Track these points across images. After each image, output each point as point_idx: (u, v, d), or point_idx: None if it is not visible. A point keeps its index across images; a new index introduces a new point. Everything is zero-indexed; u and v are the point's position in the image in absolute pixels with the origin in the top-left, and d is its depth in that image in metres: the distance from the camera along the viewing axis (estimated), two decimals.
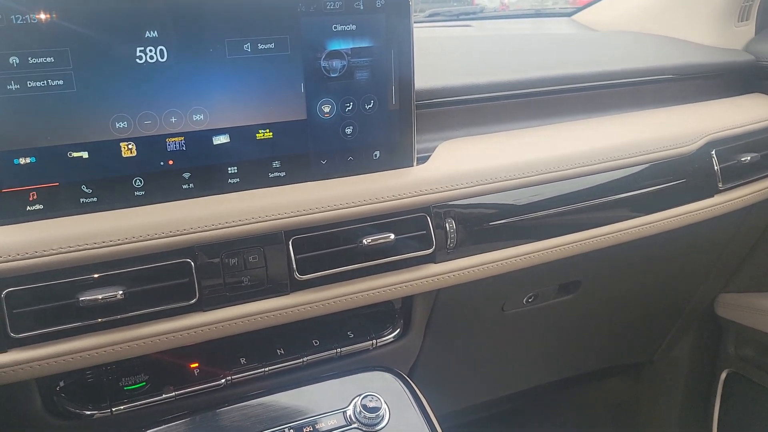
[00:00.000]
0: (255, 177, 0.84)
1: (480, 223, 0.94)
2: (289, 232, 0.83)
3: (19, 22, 0.70)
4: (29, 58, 0.71)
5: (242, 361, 0.90)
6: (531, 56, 1.25)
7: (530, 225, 0.98)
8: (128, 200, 0.78)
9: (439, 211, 0.91)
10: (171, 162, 0.80)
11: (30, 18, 0.70)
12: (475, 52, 1.29)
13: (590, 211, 1.03)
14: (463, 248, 0.93)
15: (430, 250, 0.90)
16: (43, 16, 0.70)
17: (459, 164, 0.94)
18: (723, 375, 1.61)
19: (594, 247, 1.04)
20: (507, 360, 1.38)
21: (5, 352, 0.72)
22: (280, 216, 0.81)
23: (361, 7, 0.84)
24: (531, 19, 1.72)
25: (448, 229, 0.92)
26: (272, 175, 0.85)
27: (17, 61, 0.70)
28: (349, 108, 0.87)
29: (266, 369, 0.90)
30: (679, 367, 1.68)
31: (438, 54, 1.22)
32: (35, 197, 0.75)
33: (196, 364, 0.88)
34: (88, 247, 0.73)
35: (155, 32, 0.75)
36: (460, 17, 1.68)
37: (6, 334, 0.71)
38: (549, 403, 1.76)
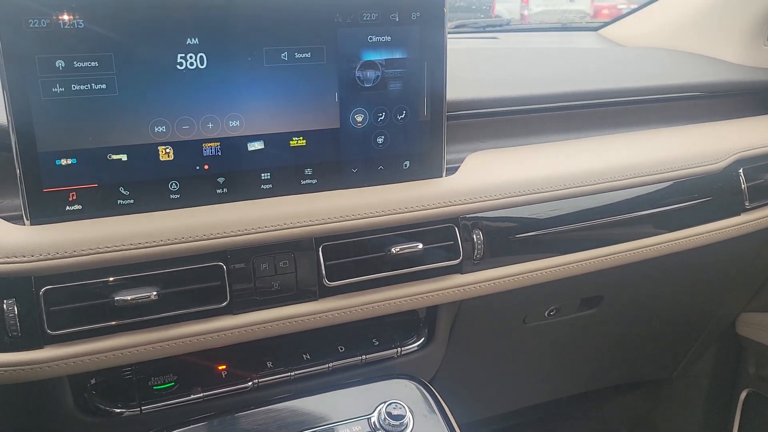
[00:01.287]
0: (287, 183, 0.85)
1: (507, 235, 0.95)
2: (320, 239, 0.84)
3: (66, 27, 0.71)
4: (74, 62, 0.72)
5: (269, 364, 0.91)
6: (560, 70, 1.26)
7: (557, 238, 0.99)
8: (164, 203, 0.80)
9: (467, 222, 0.92)
10: (206, 167, 0.81)
11: (77, 23, 0.72)
12: (503, 65, 1.30)
13: (616, 226, 1.03)
14: (489, 260, 0.94)
15: (457, 261, 0.91)
16: (89, 22, 0.72)
17: (488, 176, 0.95)
18: (743, 395, 1.60)
19: (618, 263, 1.04)
20: (527, 372, 1.38)
21: (41, 348, 0.73)
22: (311, 223, 0.83)
23: (397, 19, 0.85)
24: (557, 33, 1.73)
25: (475, 240, 0.92)
26: (304, 182, 0.86)
27: (63, 65, 0.72)
28: (382, 118, 0.88)
29: (292, 373, 0.91)
30: (699, 385, 1.67)
31: (466, 65, 1.23)
32: (74, 197, 0.76)
33: (224, 367, 0.89)
34: (124, 248, 0.75)
35: (196, 39, 0.77)
36: (487, 29, 1.69)
37: (43, 331, 0.73)
38: (566, 416, 1.76)
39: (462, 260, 0.91)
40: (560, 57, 1.39)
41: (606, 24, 1.71)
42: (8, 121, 0.71)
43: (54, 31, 0.71)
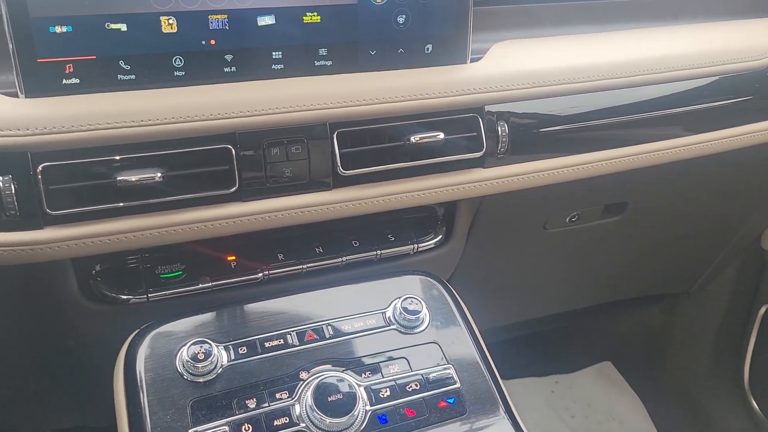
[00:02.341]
0: (300, 64, 0.79)
1: (533, 128, 0.89)
2: (334, 125, 0.79)
3: None
4: None
5: (280, 257, 0.87)
6: None
7: (585, 135, 0.93)
8: (167, 80, 0.74)
9: (492, 113, 0.86)
10: (213, 42, 0.75)
11: None
12: None
13: (648, 124, 0.97)
14: (514, 154, 0.88)
15: (480, 154, 0.86)
16: None
17: (515, 64, 0.88)
18: (762, 310, 1.57)
19: (648, 163, 0.99)
20: (544, 280, 1.35)
21: (41, 229, 0.70)
22: (325, 106, 0.77)
23: None
24: None
25: (499, 132, 0.87)
26: (318, 63, 0.80)
27: None
28: None
29: (304, 266, 0.88)
30: (717, 300, 1.64)
31: None
32: (71, 69, 0.71)
33: (234, 257, 0.86)
34: (126, 125, 0.70)
35: None
36: None
37: (43, 211, 0.69)
38: (580, 328, 1.75)
39: (485, 153, 0.86)
40: None
41: None
42: None
43: None
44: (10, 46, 0.68)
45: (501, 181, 0.88)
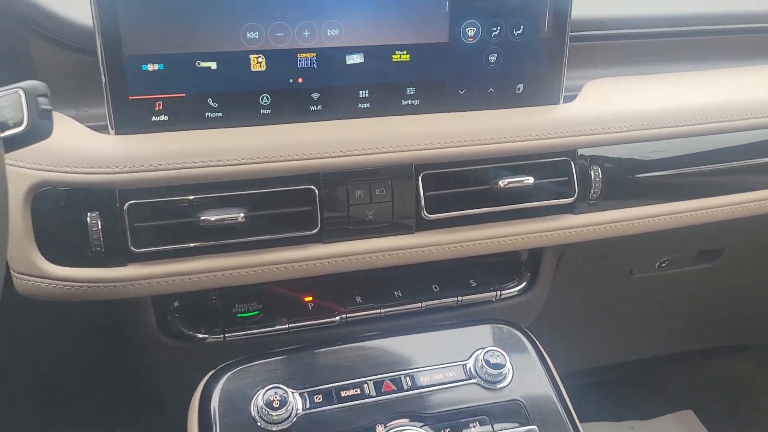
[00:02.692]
0: (387, 103, 0.77)
1: (629, 173, 0.84)
2: (420, 166, 0.76)
3: None
4: None
5: (358, 299, 0.85)
6: None
7: (686, 181, 0.87)
8: (253, 118, 0.73)
9: (585, 156, 0.82)
10: (300, 80, 0.74)
11: None
12: None
13: (755, 170, 0.90)
14: (606, 200, 0.83)
15: (571, 200, 0.81)
16: None
17: (610, 105, 0.83)
18: None
19: (753, 212, 0.92)
20: (627, 325, 1.27)
21: (125, 266, 0.70)
22: (411, 147, 0.74)
23: None
24: None
25: (592, 177, 0.82)
26: (405, 102, 0.78)
27: None
28: (496, 33, 0.77)
29: (382, 310, 0.85)
30: None
31: None
32: (161, 107, 0.71)
33: (311, 298, 0.84)
34: (212, 164, 0.69)
35: None
36: None
37: (126, 248, 0.69)
38: (661, 373, 1.65)
39: (576, 199, 0.81)
40: None
41: None
42: (94, 21, 0.66)
43: None
44: (104, 82, 0.68)
45: (592, 229, 0.83)
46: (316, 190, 0.73)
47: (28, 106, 0.52)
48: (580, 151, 0.81)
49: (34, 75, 0.76)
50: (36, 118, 0.52)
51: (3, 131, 0.51)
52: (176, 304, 0.82)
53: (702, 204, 0.88)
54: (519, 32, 0.78)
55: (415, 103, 0.78)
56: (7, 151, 0.53)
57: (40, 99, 0.53)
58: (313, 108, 0.75)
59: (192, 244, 0.71)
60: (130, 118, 0.70)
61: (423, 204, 0.76)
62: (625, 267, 1.07)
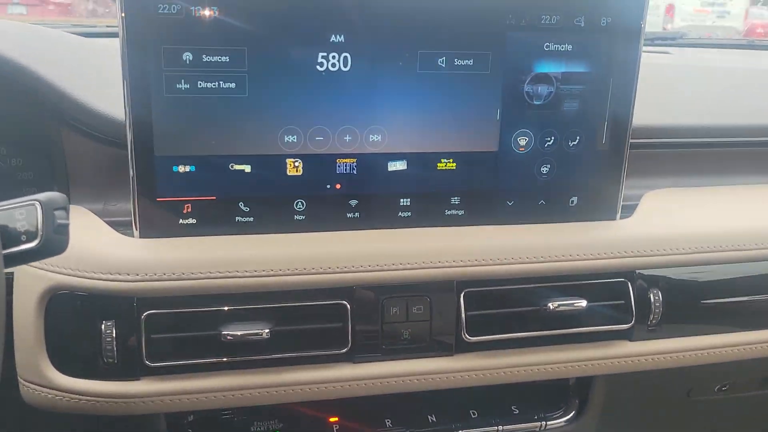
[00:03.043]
0: (429, 213, 0.72)
1: (693, 298, 0.77)
2: (462, 283, 0.70)
3: (198, 15, 0.62)
4: (203, 56, 0.63)
5: (388, 423, 0.78)
6: (752, 96, 1.04)
7: (757, 308, 0.79)
8: (286, 224, 0.69)
9: (644, 277, 0.75)
10: (339, 186, 0.69)
11: (210, 11, 0.62)
12: (681, 86, 1.10)
13: None
14: (667, 326, 0.76)
15: (628, 325, 0.74)
16: (224, 10, 0.62)
17: (673, 222, 0.77)
18: None
19: None
20: None
21: (138, 380, 0.64)
22: (453, 264, 0.69)
23: (582, 24, 0.70)
24: (741, 51, 1.48)
25: (652, 300, 0.75)
26: (449, 212, 0.72)
27: (190, 58, 0.63)
28: (550, 143, 0.72)
29: None
30: None
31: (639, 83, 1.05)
32: (189, 210, 0.67)
33: (336, 419, 0.77)
34: (239, 275, 0.64)
35: (341, 37, 0.65)
36: (656, 42, 1.47)
37: (141, 361, 0.64)
38: None
39: (634, 324, 0.74)
40: (751, 80, 1.17)
41: None
42: (126, 118, 0.63)
43: (184, 19, 0.62)
44: (131, 182, 0.65)
45: (651, 358, 0.75)
46: (348, 306, 0.67)
47: (44, 220, 0.48)
48: (638, 272, 0.74)
49: (65, 166, 0.74)
50: (51, 234, 0.49)
51: (17, 245, 0.48)
52: (191, 418, 0.76)
53: None
54: (575, 143, 0.73)
55: (460, 214, 0.73)
56: (17, 265, 0.49)
57: (57, 213, 0.49)
58: (350, 215, 0.70)
59: (211, 360, 0.65)
60: (156, 221, 0.66)
61: (464, 324, 0.70)
62: (682, 389, 0.98)
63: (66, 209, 0.50)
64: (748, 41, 1.48)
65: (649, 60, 1.33)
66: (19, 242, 0.48)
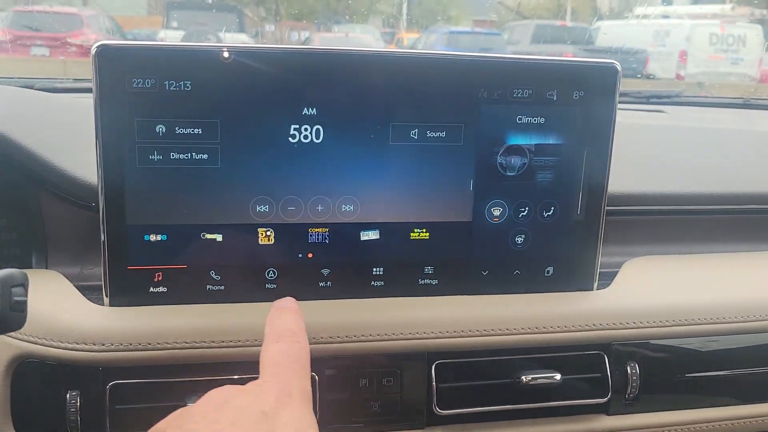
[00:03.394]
0: (402, 282, 0.72)
1: (672, 371, 0.75)
2: (434, 354, 0.69)
3: (172, 89, 0.63)
4: (176, 128, 0.64)
5: None
6: (745, 161, 1.04)
7: (744, 382, 0.77)
8: (258, 293, 0.69)
9: (620, 349, 0.73)
10: (310, 255, 0.69)
11: (184, 86, 0.63)
12: (673, 148, 1.10)
13: None
14: (645, 400, 0.74)
15: (604, 399, 0.72)
16: (197, 85, 0.63)
17: (652, 293, 0.76)
18: None
19: None
20: None
21: None
22: (425, 335, 0.68)
23: (555, 98, 0.70)
24: (740, 111, 1.49)
25: (629, 373, 0.73)
26: (422, 281, 0.72)
27: (163, 130, 0.64)
28: (524, 213, 0.72)
29: None
30: None
31: (625, 145, 1.04)
32: (160, 278, 0.67)
33: None
34: (204, 345, 0.64)
35: (313, 110, 0.66)
36: (651, 101, 1.48)
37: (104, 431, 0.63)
38: None
39: (610, 398, 0.72)
40: (745, 143, 1.16)
41: None
42: (99, 186, 0.64)
43: (158, 92, 0.63)
44: (102, 250, 0.65)
45: None
46: (317, 377, 0.66)
47: (2, 298, 0.49)
48: (614, 344, 0.73)
49: (44, 230, 0.75)
50: (7, 311, 0.49)
51: None
52: None
53: (761, 410, 0.77)
54: (549, 214, 0.73)
55: (433, 283, 0.72)
56: None
57: (15, 290, 0.50)
58: (322, 284, 0.70)
59: None
60: (126, 289, 0.66)
61: (435, 397, 0.69)
62: None
63: (24, 286, 0.51)
64: (745, 101, 1.48)
65: (642, 120, 1.34)
66: None
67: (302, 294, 0.69)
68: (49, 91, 0.93)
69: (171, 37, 8.11)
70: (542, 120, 0.70)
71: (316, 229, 0.69)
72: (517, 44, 9.05)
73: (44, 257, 0.75)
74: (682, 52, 8.52)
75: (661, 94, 1.48)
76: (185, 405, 0.63)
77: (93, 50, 0.61)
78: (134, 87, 0.63)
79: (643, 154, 1.02)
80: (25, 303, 0.50)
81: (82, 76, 1.23)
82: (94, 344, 0.62)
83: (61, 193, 0.71)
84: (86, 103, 0.89)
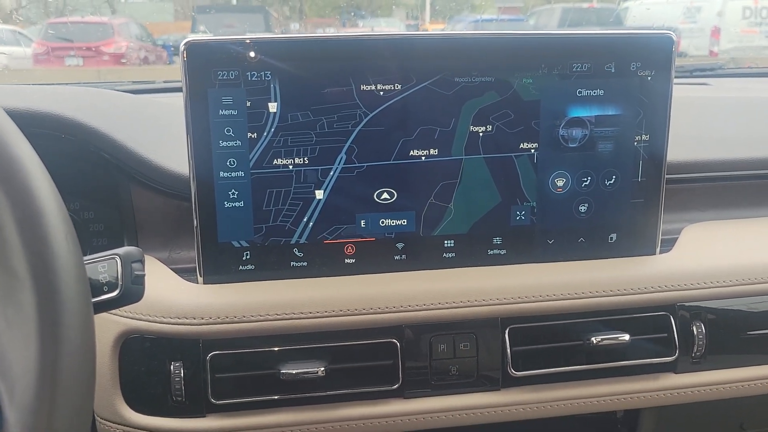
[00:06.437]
0: (472, 253, 0.75)
1: (737, 330, 0.78)
2: (506, 320, 0.73)
3: (253, 78, 0.68)
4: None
5: None
6: None
7: None
8: (338, 267, 0.73)
9: (686, 310, 0.76)
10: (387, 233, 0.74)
11: (264, 75, 0.68)
12: (720, 119, 1.11)
13: None
14: (711, 359, 0.77)
15: (672, 358, 0.75)
16: (277, 73, 0.68)
17: (713, 255, 0.78)
18: None
19: None
20: None
21: (204, 416, 0.69)
22: (498, 301, 0.72)
23: (613, 70, 0.73)
24: None
25: (695, 333, 0.76)
26: (491, 252, 0.76)
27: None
28: (586, 183, 0.75)
29: None
30: None
31: (674, 118, 1.06)
32: (248, 256, 0.72)
33: None
34: (295, 316, 0.69)
35: (399, 86, 0.70)
36: (695, 74, 1.49)
37: (206, 399, 0.68)
38: None
39: (678, 357, 0.75)
40: None
41: None
42: (191, 176, 0.69)
43: (241, 83, 0.68)
44: (196, 233, 0.70)
45: (696, 390, 0.77)
46: (398, 344, 0.71)
47: (123, 272, 0.54)
48: (680, 305, 0.76)
49: (134, 218, 0.80)
50: (129, 284, 0.54)
51: (100, 296, 0.53)
52: None
53: None
54: (611, 183, 0.76)
55: (502, 253, 0.76)
56: (99, 312, 0.55)
57: (135, 265, 0.55)
58: (397, 258, 0.74)
59: (271, 397, 0.69)
60: (218, 267, 0.72)
61: (509, 360, 0.73)
62: (734, 422, 0.97)
63: (142, 261, 0.56)
64: None
65: (687, 93, 1.35)
66: (102, 292, 0.53)
67: (379, 267, 0.74)
68: (129, 93, 0.99)
69: None
70: (601, 92, 0.73)
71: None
72: (544, 29, 8.97)
73: (135, 243, 0.81)
74: (714, 29, 8.33)
75: (704, 67, 1.49)
76: (278, 372, 0.68)
77: (182, 47, 0.66)
78: (219, 79, 0.67)
79: (692, 125, 1.04)
80: (143, 277, 0.55)
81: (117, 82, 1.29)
82: (194, 318, 0.67)
83: (151, 184, 0.76)
84: (164, 101, 0.95)
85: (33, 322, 0.43)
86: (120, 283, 0.54)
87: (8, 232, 0.44)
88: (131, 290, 0.54)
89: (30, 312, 0.43)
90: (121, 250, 0.55)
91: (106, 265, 0.54)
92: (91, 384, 0.46)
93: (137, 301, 0.55)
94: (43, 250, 0.44)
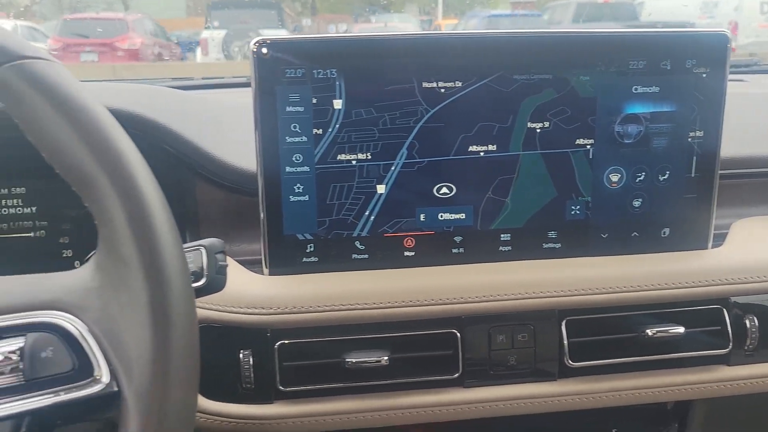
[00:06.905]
0: (528, 246, 0.77)
1: None
2: (563, 312, 0.75)
3: (319, 76, 0.70)
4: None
5: None
6: None
7: None
8: (397, 261, 0.75)
9: (739, 304, 0.78)
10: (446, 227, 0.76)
11: (330, 73, 0.70)
12: (762, 115, 1.12)
13: None
14: (764, 351, 0.78)
15: (725, 350, 0.77)
16: (342, 71, 0.70)
17: (764, 250, 0.80)
18: None
19: None
20: None
21: (271, 403, 0.71)
22: (555, 294, 0.74)
23: (668, 67, 0.74)
24: None
25: (748, 326, 0.77)
26: (546, 245, 0.77)
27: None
28: (641, 178, 0.77)
29: None
30: None
31: None
32: (311, 249, 0.74)
33: None
34: (359, 306, 0.71)
35: (459, 83, 0.72)
36: (730, 71, 1.49)
37: (275, 386, 0.71)
38: None
39: (731, 350, 0.77)
40: None
41: None
42: (258, 171, 0.71)
43: (307, 80, 0.70)
44: (262, 226, 0.72)
45: (749, 383, 0.78)
46: (458, 334, 0.73)
47: (208, 263, 0.56)
48: (733, 299, 0.77)
49: (197, 212, 0.82)
50: (213, 274, 0.56)
51: None
52: None
53: None
54: (665, 178, 0.77)
55: (557, 247, 0.78)
56: None
57: (218, 256, 0.57)
58: (455, 251, 0.76)
59: (336, 385, 0.72)
60: (283, 258, 0.74)
61: (567, 351, 0.74)
62: None
63: (224, 253, 0.58)
64: None
65: (728, 89, 1.35)
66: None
67: (437, 260, 0.76)
68: (183, 89, 1.01)
69: (214, 36, 8.26)
70: (657, 89, 0.75)
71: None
72: (559, 24, 8.94)
73: (197, 236, 0.83)
74: (732, 23, 8.27)
75: (739, 63, 1.50)
76: (343, 361, 0.70)
77: (252, 45, 0.68)
78: (287, 76, 0.69)
79: (737, 120, 1.04)
80: (226, 267, 0.58)
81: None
82: (263, 308, 0.70)
83: (215, 179, 0.79)
84: (221, 98, 0.98)
85: (145, 307, 0.45)
86: (205, 272, 0.56)
87: (118, 223, 0.46)
88: (215, 280, 0.57)
89: (142, 297, 0.45)
90: (205, 242, 0.57)
91: (191, 255, 0.56)
92: (197, 366, 0.48)
93: (220, 291, 0.57)
94: (151, 239, 0.46)
